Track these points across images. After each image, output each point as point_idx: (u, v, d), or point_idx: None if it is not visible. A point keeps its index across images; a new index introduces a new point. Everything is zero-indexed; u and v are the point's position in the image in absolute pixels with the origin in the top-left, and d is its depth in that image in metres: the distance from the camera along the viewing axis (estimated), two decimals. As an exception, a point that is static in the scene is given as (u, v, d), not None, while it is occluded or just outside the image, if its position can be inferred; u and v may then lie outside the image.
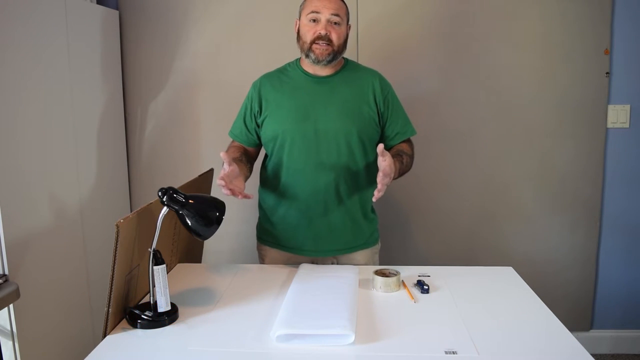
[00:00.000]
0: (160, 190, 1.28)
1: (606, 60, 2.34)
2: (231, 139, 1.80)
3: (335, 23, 1.62)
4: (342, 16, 1.64)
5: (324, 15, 1.61)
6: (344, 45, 1.66)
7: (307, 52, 1.64)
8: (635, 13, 2.32)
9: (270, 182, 1.74)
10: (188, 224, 1.31)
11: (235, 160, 1.62)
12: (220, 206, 1.35)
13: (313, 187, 1.66)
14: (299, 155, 1.65)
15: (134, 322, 1.26)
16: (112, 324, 1.24)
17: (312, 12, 1.62)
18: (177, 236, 1.61)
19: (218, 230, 1.33)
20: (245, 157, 1.72)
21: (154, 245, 1.26)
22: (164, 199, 1.27)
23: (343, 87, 1.68)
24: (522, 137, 2.41)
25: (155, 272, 1.24)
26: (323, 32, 1.61)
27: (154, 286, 1.25)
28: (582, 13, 2.31)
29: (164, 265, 1.26)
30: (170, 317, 1.27)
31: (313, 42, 1.62)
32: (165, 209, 1.28)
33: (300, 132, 1.64)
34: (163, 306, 1.26)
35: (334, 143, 1.64)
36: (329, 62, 1.64)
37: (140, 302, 1.37)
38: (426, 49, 2.37)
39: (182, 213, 1.29)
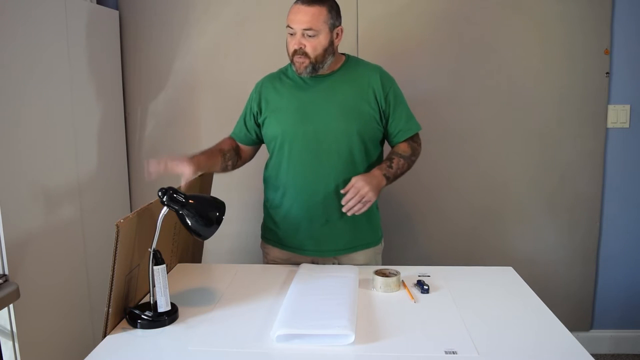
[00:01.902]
0: (160, 190, 1.28)
1: (606, 60, 2.34)
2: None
3: (310, 35, 1.57)
4: (318, 27, 1.57)
5: (297, 30, 1.58)
6: (324, 53, 1.61)
7: (291, 63, 1.66)
8: (635, 13, 2.32)
9: (272, 182, 1.74)
10: (188, 224, 1.31)
11: (212, 150, 1.70)
12: (220, 206, 1.35)
13: (313, 188, 1.66)
14: (300, 155, 1.66)
15: (134, 322, 1.26)
16: (112, 324, 1.24)
17: (288, 25, 1.60)
18: (177, 236, 1.61)
19: (218, 230, 1.34)
20: (227, 149, 1.74)
21: (154, 245, 1.26)
22: (164, 199, 1.27)
23: (343, 86, 1.67)
24: (522, 137, 2.41)
25: (155, 272, 1.24)
26: (297, 47, 1.59)
27: (154, 286, 1.25)
28: (582, 13, 2.31)
29: (164, 265, 1.26)
30: (170, 317, 1.27)
31: (293, 54, 1.61)
32: (165, 209, 1.28)
33: (300, 132, 1.65)
34: (163, 306, 1.26)
35: (334, 143, 1.64)
36: (310, 73, 1.62)
37: (140, 302, 1.37)
38: (426, 49, 2.37)
39: (182, 213, 1.29)
